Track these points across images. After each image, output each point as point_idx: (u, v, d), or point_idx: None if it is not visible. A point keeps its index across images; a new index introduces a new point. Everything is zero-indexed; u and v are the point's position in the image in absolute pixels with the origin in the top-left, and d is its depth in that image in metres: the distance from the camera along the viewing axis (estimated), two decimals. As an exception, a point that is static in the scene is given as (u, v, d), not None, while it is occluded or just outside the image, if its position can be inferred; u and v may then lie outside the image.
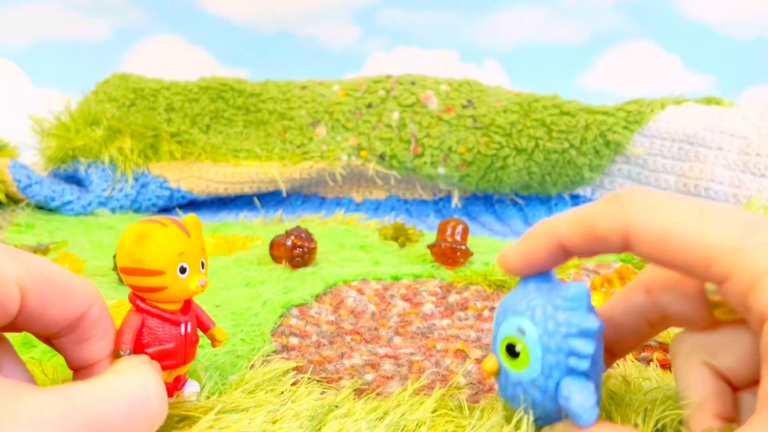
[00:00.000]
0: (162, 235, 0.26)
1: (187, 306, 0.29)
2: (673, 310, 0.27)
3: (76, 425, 0.20)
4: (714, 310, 0.26)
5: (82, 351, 0.26)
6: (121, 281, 0.49)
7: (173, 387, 0.29)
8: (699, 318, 0.27)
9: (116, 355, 0.26)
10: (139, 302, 0.27)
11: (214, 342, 0.30)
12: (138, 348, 0.27)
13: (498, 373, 0.26)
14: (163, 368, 0.28)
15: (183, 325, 0.28)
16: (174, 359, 0.28)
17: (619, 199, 0.25)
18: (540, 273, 0.27)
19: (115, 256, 0.48)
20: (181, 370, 0.29)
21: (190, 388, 0.29)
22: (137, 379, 0.23)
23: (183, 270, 0.27)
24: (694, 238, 0.22)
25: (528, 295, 0.26)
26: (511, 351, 0.25)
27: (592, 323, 0.24)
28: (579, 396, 0.23)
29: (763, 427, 0.20)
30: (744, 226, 0.22)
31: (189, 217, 0.28)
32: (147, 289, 0.27)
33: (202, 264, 0.28)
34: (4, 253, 0.23)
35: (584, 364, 0.24)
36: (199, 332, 0.30)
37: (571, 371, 0.24)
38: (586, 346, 0.24)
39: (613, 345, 0.29)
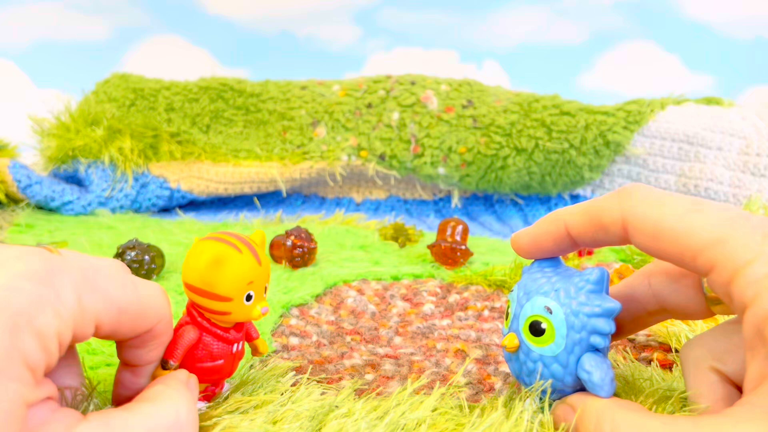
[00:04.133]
0: (237, 262, 0.26)
1: (241, 324, 0.29)
2: (672, 301, 0.29)
3: None
4: (712, 306, 0.28)
5: (136, 354, 0.27)
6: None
7: (212, 390, 0.29)
8: (696, 311, 0.28)
9: (163, 364, 0.27)
10: (197, 317, 0.27)
11: (255, 352, 0.31)
12: (190, 361, 0.27)
13: (517, 349, 0.28)
14: (210, 381, 0.28)
15: (236, 345, 0.28)
16: (221, 375, 0.28)
17: (621, 193, 0.26)
18: (549, 258, 0.30)
19: (115, 256, 0.48)
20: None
21: (225, 389, 0.30)
22: (171, 410, 0.24)
23: (249, 298, 0.27)
24: (683, 230, 0.24)
25: (550, 278, 0.28)
26: (535, 329, 0.27)
27: (614, 304, 0.26)
28: (600, 371, 0.26)
29: (747, 411, 0.21)
30: (730, 220, 0.23)
31: (256, 235, 0.28)
32: (211, 311, 0.27)
33: (265, 289, 0.28)
34: (87, 287, 0.23)
35: (604, 342, 0.26)
36: None
37: (591, 348, 0.26)
38: (608, 326, 0.26)
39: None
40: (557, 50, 1.33)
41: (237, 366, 0.29)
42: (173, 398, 0.24)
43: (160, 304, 0.26)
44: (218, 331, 0.27)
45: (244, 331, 0.29)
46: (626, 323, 0.30)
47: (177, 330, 0.27)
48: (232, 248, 0.26)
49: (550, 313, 0.26)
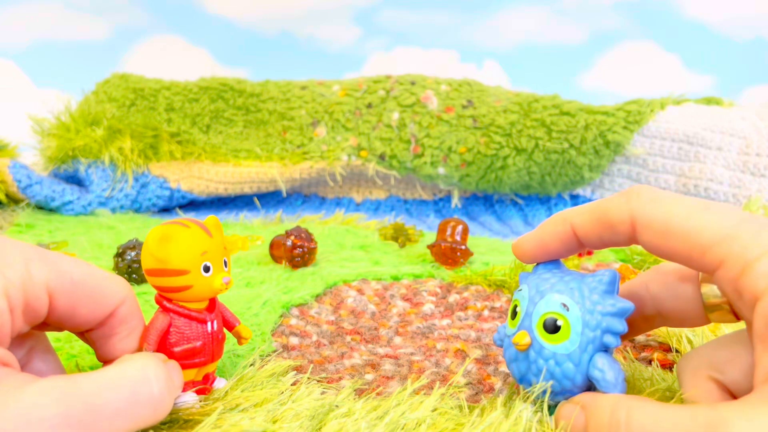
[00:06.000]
0: (185, 235, 0.27)
1: (213, 304, 0.29)
2: (669, 306, 0.29)
3: (79, 408, 0.21)
4: (710, 313, 0.28)
5: (110, 345, 0.27)
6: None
7: (203, 384, 0.29)
8: (693, 317, 0.28)
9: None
10: (165, 303, 0.28)
11: (240, 339, 0.31)
12: (166, 347, 0.28)
13: (528, 347, 0.28)
14: (192, 366, 0.28)
15: (209, 323, 0.28)
16: (202, 356, 0.28)
17: (629, 193, 0.27)
18: (551, 261, 0.30)
19: (115, 256, 0.48)
20: (210, 368, 0.29)
21: (220, 384, 0.30)
22: (136, 366, 0.24)
23: (207, 269, 0.27)
24: (693, 227, 0.24)
25: (562, 277, 0.28)
26: (550, 326, 0.27)
27: (628, 304, 0.26)
28: (613, 370, 0.26)
29: (754, 405, 0.21)
30: (738, 219, 0.24)
31: (210, 219, 0.29)
32: (173, 289, 0.27)
33: (225, 263, 0.29)
34: (35, 257, 0.24)
35: (616, 342, 0.26)
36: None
37: (603, 348, 0.26)
38: (621, 325, 0.26)
39: None
40: (557, 50, 1.33)
41: (221, 349, 0.29)
42: (138, 358, 0.24)
43: (118, 283, 0.26)
44: (188, 312, 0.28)
45: (218, 311, 0.29)
46: None
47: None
48: (179, 225, 0.27)
49: (567, 309, 0.27)
